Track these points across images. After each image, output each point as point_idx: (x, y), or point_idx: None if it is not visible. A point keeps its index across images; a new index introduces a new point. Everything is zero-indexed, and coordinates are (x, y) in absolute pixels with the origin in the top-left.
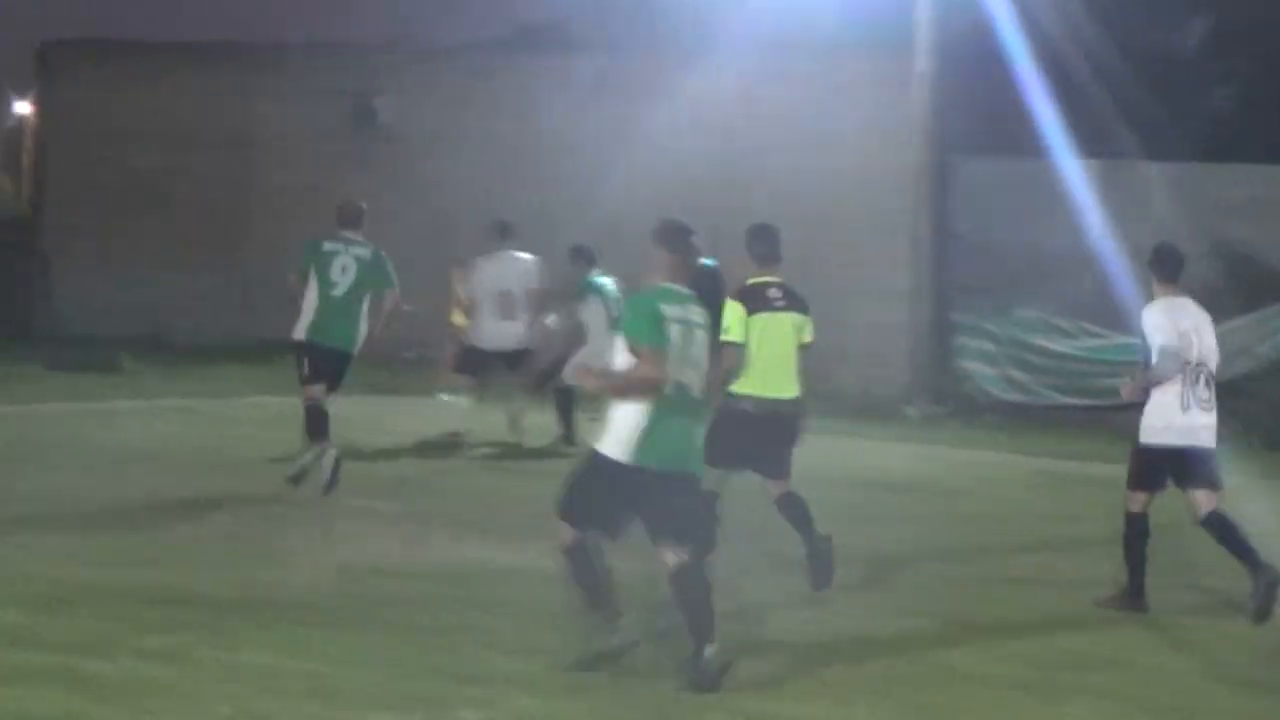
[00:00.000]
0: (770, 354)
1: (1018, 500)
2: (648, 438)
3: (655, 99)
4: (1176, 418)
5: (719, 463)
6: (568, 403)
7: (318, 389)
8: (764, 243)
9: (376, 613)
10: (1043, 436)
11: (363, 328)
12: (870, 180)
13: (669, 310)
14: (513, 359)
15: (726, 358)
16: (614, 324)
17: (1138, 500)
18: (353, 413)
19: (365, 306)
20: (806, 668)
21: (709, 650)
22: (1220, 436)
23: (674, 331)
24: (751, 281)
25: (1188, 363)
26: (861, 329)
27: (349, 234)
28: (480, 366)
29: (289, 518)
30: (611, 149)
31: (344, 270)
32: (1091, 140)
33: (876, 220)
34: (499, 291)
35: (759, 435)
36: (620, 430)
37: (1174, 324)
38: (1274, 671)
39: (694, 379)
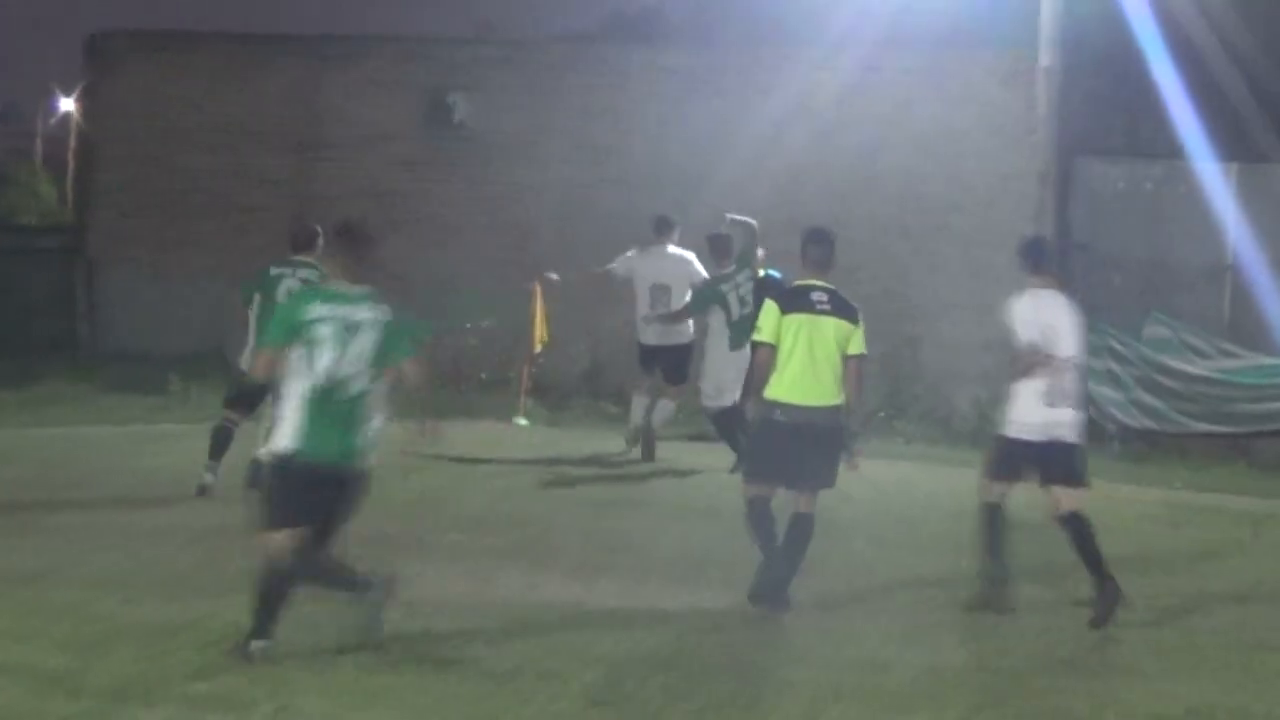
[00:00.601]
0: (805, 358)
1: (1149, 535)
2: (301, 432)
3: (755, 96)
4: (1039, 413)
5: (751, 479)
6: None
7: (234, 414)
8: (817, 246)
9: (443, 656)
10: (1175, 466)
11: None
12: (988, 185)
13: (319, 310)
14: (664, 356)
15: (755, 357)
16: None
17: (993, 490)
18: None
19: None
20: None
21: (253, 644)
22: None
23: (324, 331)
24: (798, 283)
25: (1052, 357)
26: (976, 348)
27: (300, 258)
28: (645, 364)
29: (346, 552)
30: (709, 150)
31: (288, 294)
32: (1230, 142)
33: (994, 229)
34: (654, 285)
35: (788, 445)
36: (284, 426)
37: (1038, 317)
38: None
39: (357, 376)
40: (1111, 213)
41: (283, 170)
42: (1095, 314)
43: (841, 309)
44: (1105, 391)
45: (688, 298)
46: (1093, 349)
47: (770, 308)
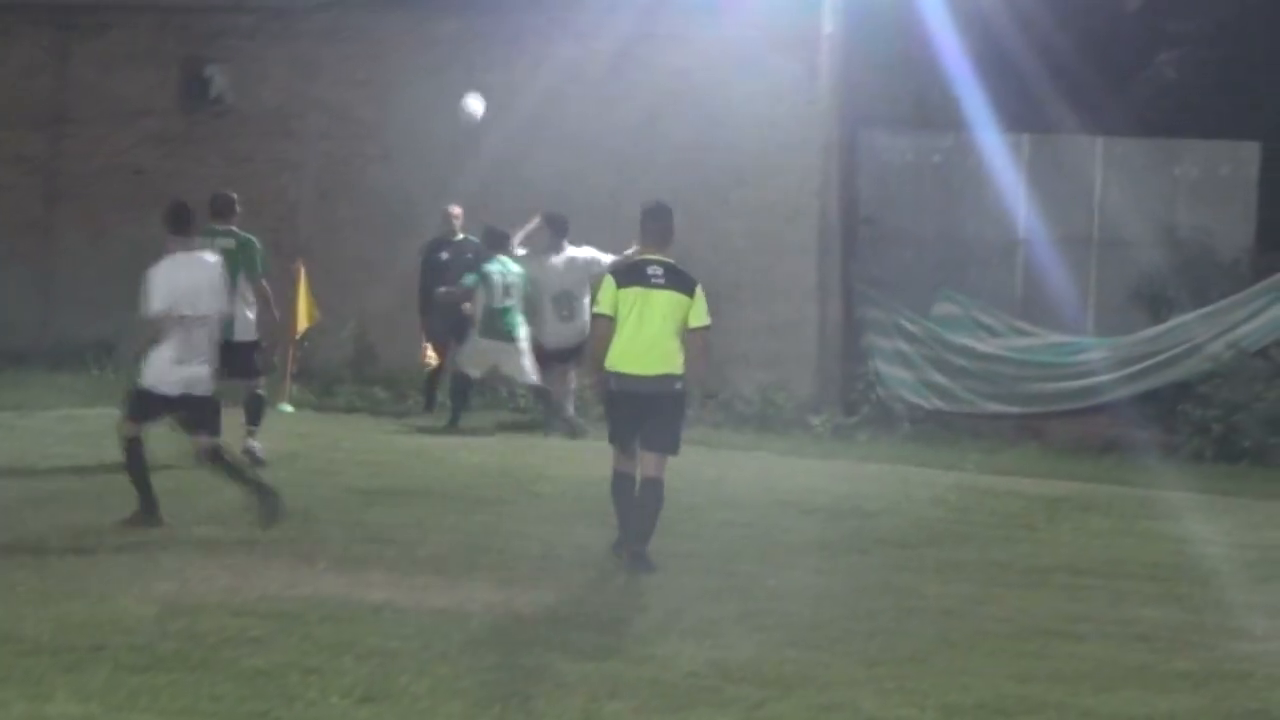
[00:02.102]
0: (639, 330)
1: (938, 520)
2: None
3: (525, 66)
4: (174, 370)
5: (612, 440)
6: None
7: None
8: (655, 221)
9: (204, 654)
10: (966, 448)
11: (240, 313)
12: (770, 157)
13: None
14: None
15: (594, 328)
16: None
17: (133, 428)
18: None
19: (235, 294)
20: (675, 706)
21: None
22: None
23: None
24: (635, 258)
25: (185, 317)
26: (761, 329)
27: (218, 225)
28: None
29: (104, 547)
30: (477, 123)
31: None
32: (1021, 113)
33: (778, 203)
34: (560, 291)
35: (626, 411)
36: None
37: (173, 283)
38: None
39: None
40: (900, 186)
41: (30, 147)
42: (884, 290)
43: (677, 282)
44: (894, 371)
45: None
46: (881, 327)
47: (608, 281)
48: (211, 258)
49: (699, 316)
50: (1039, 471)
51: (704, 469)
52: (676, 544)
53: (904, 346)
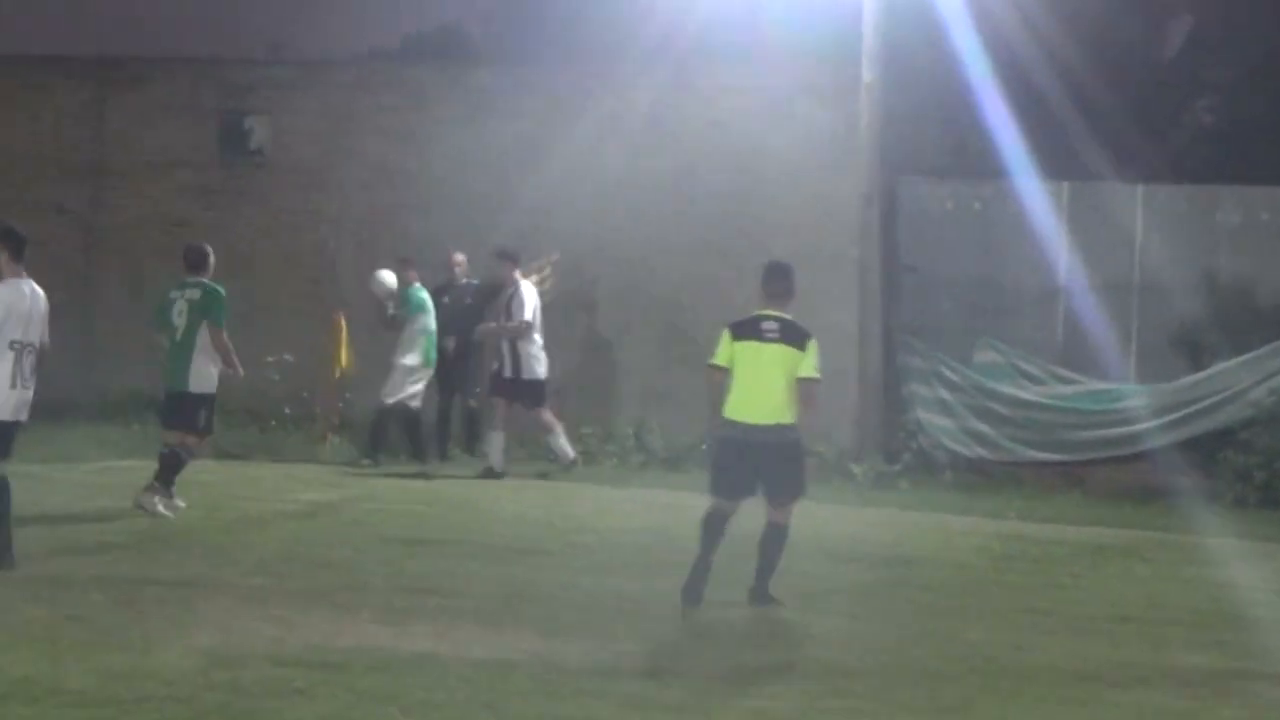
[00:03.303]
0: (753, 382)
1: (981, 568)
2: None
3: (561, 116)
4: (10, 394)
5: (714, 490)
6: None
7: (168, 434)
8: (774, 280)
9: (247, 706)
10: (1009, 496)
11: (200, 367)
12: (810, 207)
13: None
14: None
15: (707, 378)
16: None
17: None
18: (215, 477)
19: (198, 345)
20: None
21: None
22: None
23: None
24: (754, 313)
25: (19, 343)
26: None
27: (190, 278)
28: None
29: (147, 596)
30: (514, 173)
31: (180, 314)
32: (1060, 161)
33: (816, 251)
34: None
35: (738, 459)
36: None
37: (11, 306)
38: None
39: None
40: (940, 234)
41: (69, 199)
42: (925, 339)
43: (790, 336)
44: (936, 419)
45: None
46: (922, 375)
47: (725, 334)
48: (39, 290)
49: (808, 368)
50: (1081, 519)
51: (744, 519)
52: (718, 592)
53: (945, 394)
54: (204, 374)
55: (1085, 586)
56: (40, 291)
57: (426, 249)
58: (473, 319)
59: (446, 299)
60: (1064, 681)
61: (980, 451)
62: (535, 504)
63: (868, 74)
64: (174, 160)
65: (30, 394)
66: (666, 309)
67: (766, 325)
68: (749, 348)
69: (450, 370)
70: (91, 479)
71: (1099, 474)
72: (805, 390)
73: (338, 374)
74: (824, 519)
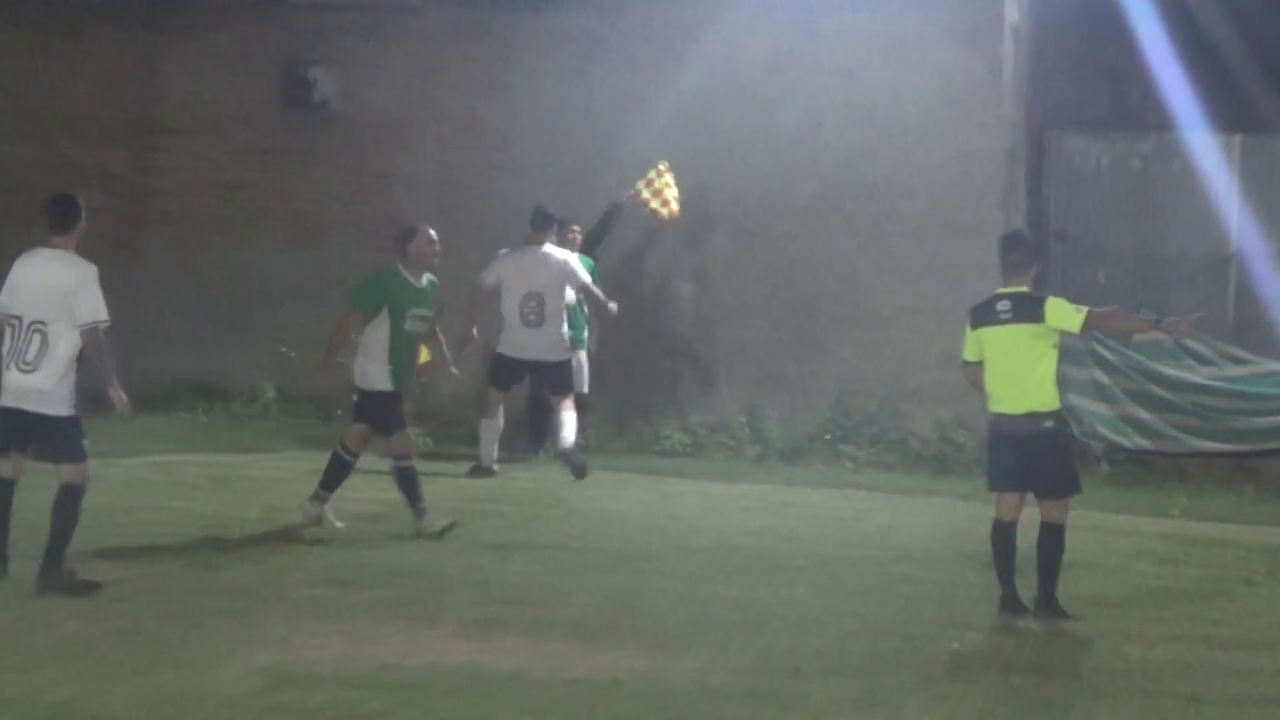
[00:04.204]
0: (1001, 370)
1: (1142, 574)
2: None
3: (669, 65)
4: (13, 378)
5: (991, 487)
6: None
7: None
8: (1006, 249)
9: None
10: (1172, 492)
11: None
12: (946, 165)
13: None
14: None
15: (964, 375)
16: None
17: None
18: (277, 473)
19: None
20: None
21: None
22: None
23: None
24: (996, 291)
25: (17, 319)
26: (937, 359)
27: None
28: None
29: (202, 608)
30: (614, 130)
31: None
32: (1231, 111)
33: (954, 216)
34: (525, 295)
35: (1006, 454)
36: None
37: (11, 283)
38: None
39: None
40: (1094, 195)
41: (114, 163)
42: None
43: (1025, 312)
44: (1090, 405)
45: (569, 300)
46: (1075, 356)
47: (967, 327)
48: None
49: (1068, 320)
50: (1257, 517)
51: (875, 516)
52: (844, 602)
53: (1101, 377)
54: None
55: (1263, 595)
56: (64, 264)
57: (516, 216)
58: None
59: None
60: (1238, 705)
61: (1141, 441)
62: (637, 502)
63: (1012, 14)
64: (230, 117)
65: (38, 379)
66: (785, 281)
67: (1001, 306)
68: (989, 334)
69: None
70: (136, 475)
71: (1275, 466)
72: (1094, 328)
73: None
74: (965, 519)
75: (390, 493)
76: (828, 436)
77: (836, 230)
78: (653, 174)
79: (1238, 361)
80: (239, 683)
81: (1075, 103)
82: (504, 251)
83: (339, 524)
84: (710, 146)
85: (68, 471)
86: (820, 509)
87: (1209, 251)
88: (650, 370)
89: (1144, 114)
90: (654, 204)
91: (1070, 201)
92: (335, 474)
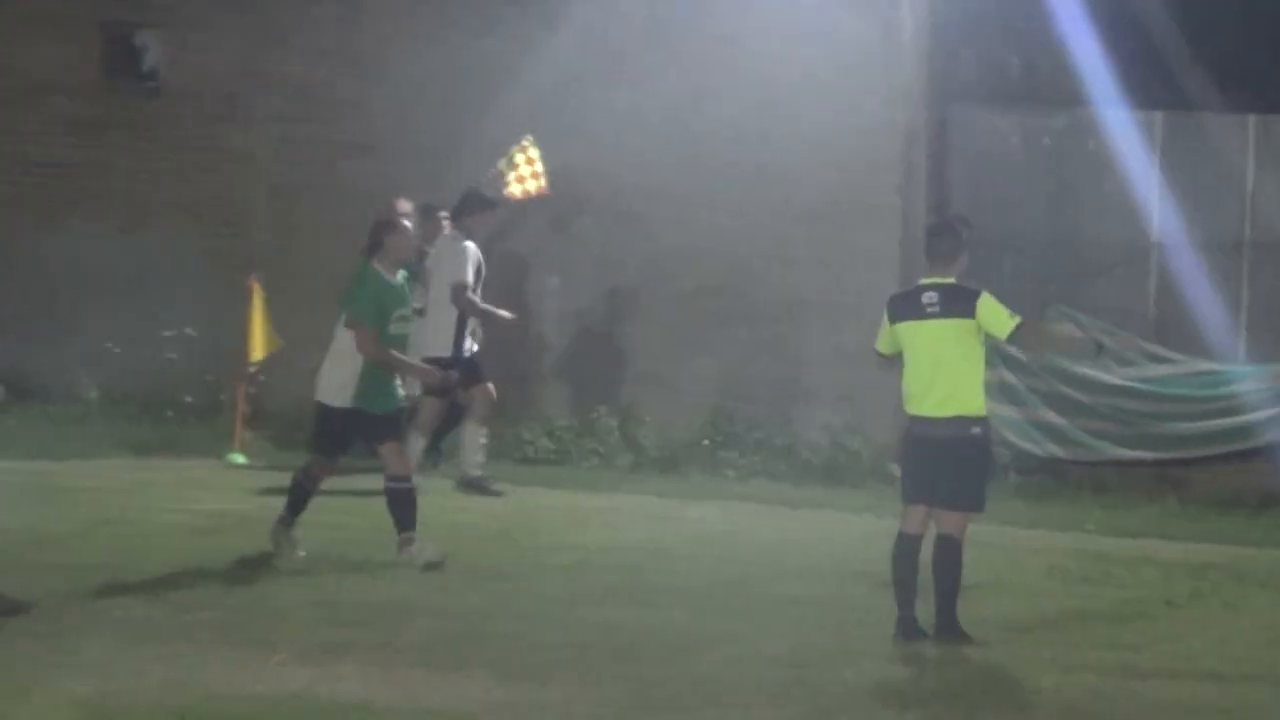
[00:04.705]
0: (921, 368)
1: (1054, 595)
2: None
3: (539, 33)
4: None
5: (902, 496)
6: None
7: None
8: (934, 238)
9: None
10: (1087, 505)
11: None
12: (840, 142)
13: None
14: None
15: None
16: None
17: None
18: (100, 482)
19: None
20: None
21: None
22: None
23: None
24: (919, 282)
25: None
26: (829, 356)
27: None
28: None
29: (11, 631)
30: (477, 105)
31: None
32: (1153, 85)
33: (849, 201)
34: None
35: (919, 461)
36: None
37: None
38: None
39: None
40: (1001, 176)
41: None
42: None
43: (954, 306)
44: (998, 409)
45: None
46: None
47: (884, 318)
48: None
49: (999, 324)
50: (1180, 533)
51: (760, 531)
52: (724, 626)
53: (1009, 378)
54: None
55: (1185, 619)
56: None
57: (365, 198)
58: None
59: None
60: None
61: (1053, 449)
62: (492, 515)
63: None
64: (45, 86)
65: None
66: (661, 272)
67: (927, 299)
68: (910, 329)
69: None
70: None
71: (1202, 477)
72: (1019, 343)
73: (257, 355)
74: (859, 534)
75: (226, 504)
76: (707, 443)
77: (718, 215)
78: (515, 152)
79: (1160, 361)
80: (48, 715)
81: (982, 76)
82: (469, 243)
83: (434, 556)
84: (580, 122)
85: None
86: (699, 523)
87: (1128, 239)
88: (510, 369)
89: (1057, 87)
90: (515, 185)
91: (975, 184)
92: (402, 510)
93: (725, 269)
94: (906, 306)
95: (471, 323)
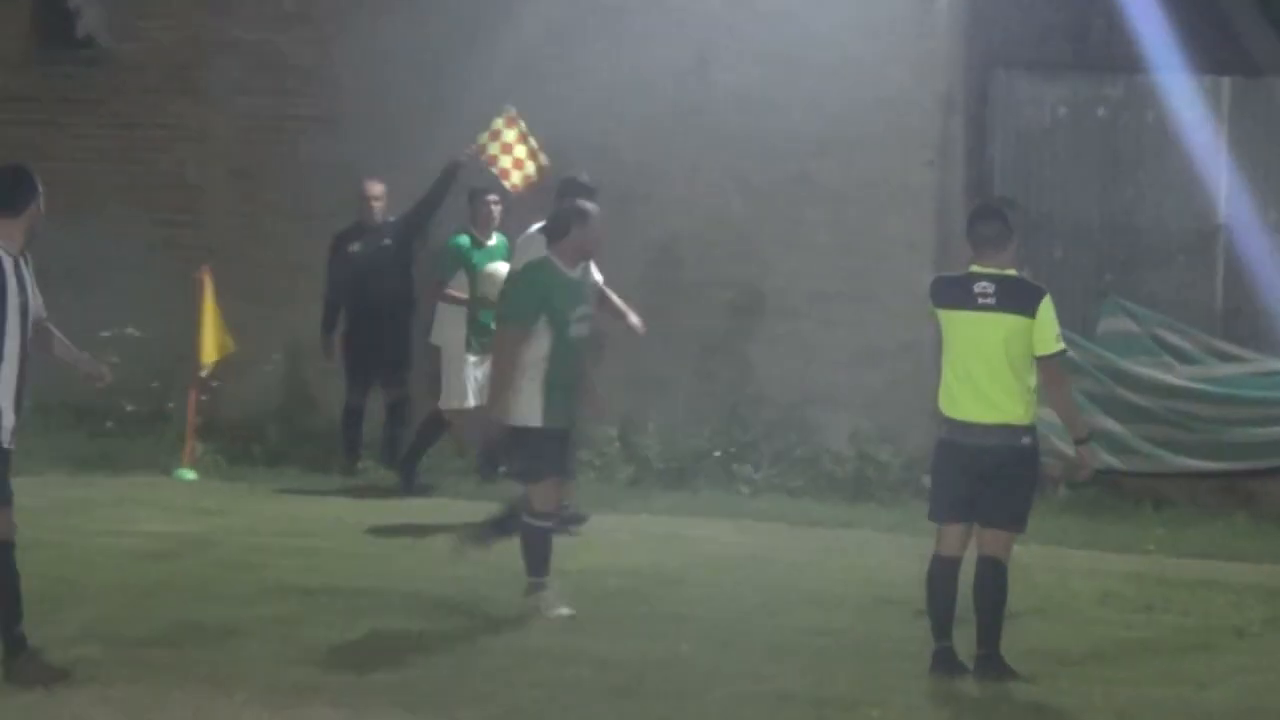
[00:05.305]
0: (968, 366)
1: (1109, 623)
2: None
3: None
4: None
5: (932, 514)
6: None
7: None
8: (979, 222)
9: None
10: (1146, 522)
11: None
12: (867, 113)
13: None
14: None
15: None
16: None
17: None
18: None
19: None
20: None
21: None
22: None
23: None
24: (969, 269)
25: None
26: (855, 356)
27: None
28: None
29: None
30: (450, 75)
31: None
32: (1218, 48)
33: (878, 180)
34: None
35: (958, 472)
36: None
37: None
38: None
39: None
40: (1050, 153)
41: None
42: None
43: (1013, 301)
44: (1044, 414)
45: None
46: None
47: (930, 306)
48: None
49: (1045, 339)
50: (1250, 553)
51: (778, 553)
52: (736, 660)
53: None
54: None
55: (1258, 650)
56: None
57: (329, 176)
58: (396, 273)
59: (356, 246)
60: None
61: (1108, 459)
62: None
63: None
64: None
65: None
66: (665, 259)
67: (980, 288)
68: (958, 319)
69: (366, 350)
70: None
71: (1275, 489)
72: (1047, 372)
73: (209, 358)
74: (888, 556)
75: (175, 525)
76: (718, 454)
77: (730, 196)
78: (499, 124)
79: (1228, 358)
80: None
81: (1026, 40)
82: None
83: (565, 610)
84: (573, 92)
85: None
86: (709, 544)
87: (1192, 223)
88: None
89: (1112, 52)
90: (504, 161)
91: (1020, 160)
92: (535, 554)
93: (737, 257)
94: (954, 292)
95: None
